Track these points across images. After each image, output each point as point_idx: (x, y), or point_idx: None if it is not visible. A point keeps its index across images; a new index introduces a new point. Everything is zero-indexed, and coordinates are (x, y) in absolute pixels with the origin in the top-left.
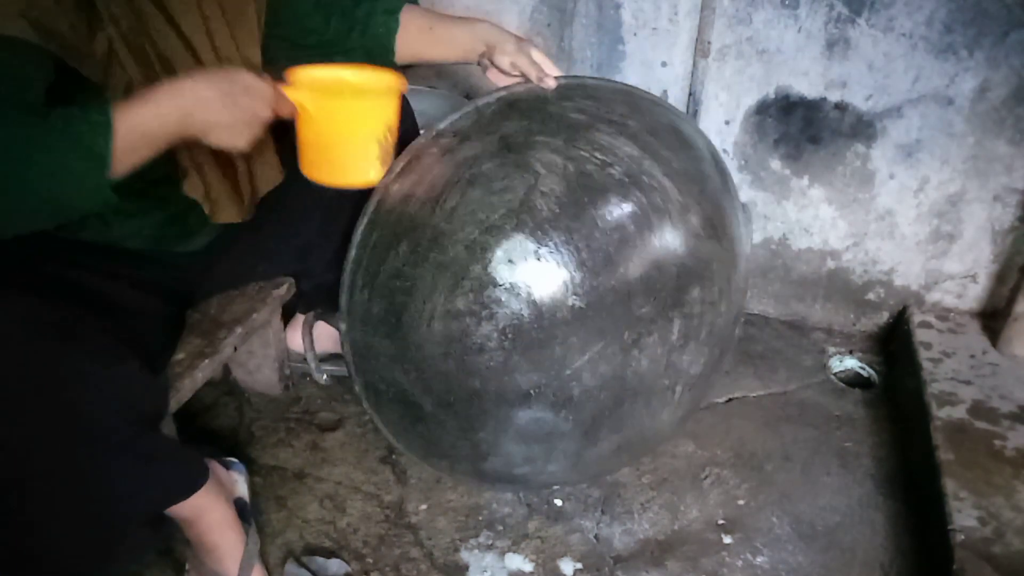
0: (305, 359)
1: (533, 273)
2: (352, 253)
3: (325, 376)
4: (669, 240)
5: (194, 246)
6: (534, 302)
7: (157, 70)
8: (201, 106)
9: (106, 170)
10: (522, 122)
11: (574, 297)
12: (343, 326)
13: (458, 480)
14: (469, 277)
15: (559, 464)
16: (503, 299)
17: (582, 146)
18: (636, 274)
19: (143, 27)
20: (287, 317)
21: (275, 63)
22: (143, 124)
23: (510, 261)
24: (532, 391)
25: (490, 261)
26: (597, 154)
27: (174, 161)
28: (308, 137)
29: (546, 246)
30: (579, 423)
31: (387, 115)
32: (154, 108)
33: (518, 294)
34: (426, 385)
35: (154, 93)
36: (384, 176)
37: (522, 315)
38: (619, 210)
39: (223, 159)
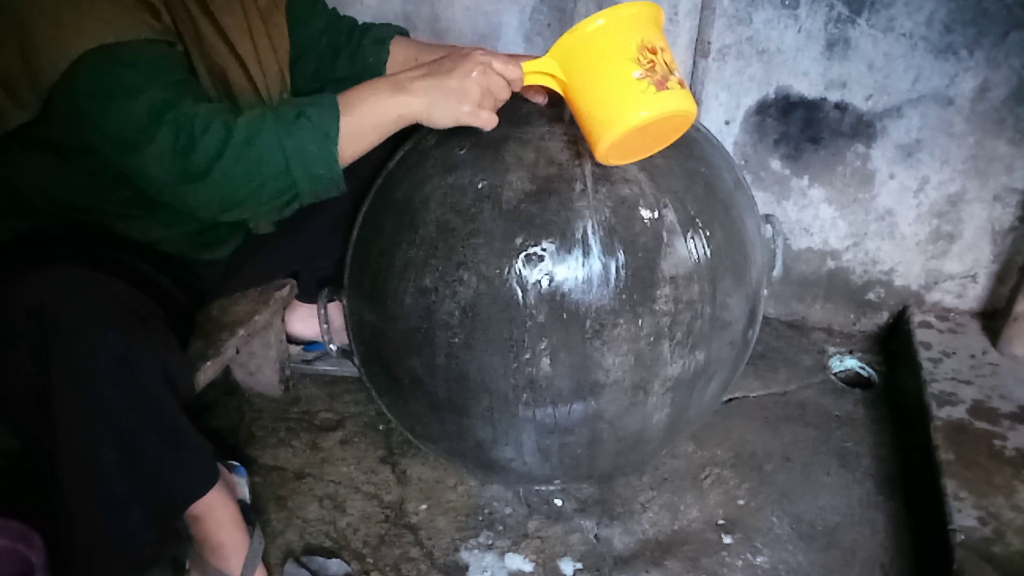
0: (303, 351)
1: (495, 256)
2: (355, 233)
3: (335, 348)
4: (636, 232)
5: (219, 255)
6: (495, 284)
7: (216, 78)
8: (420, 94)
9: (336, 154)
10: (504, 114)
11: (535, 282)
12: (345, 300)
13: (446, 459)
14: (436, 256)
15: (531, 451)
16: (466, 278)
17: (557, 139)
18: (598, 263)
19: (202, 42)
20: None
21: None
22: (363, 107)
23: (474, 243)
24: (493, 372)
25: (455, 242)
26: (572, 146)
27: None
28: (578, 107)
29: (510, 231)
30: (541, 408)
31: (631, 35)
32: (371, 90)
33: (480, 275)
34: (401, 359)
35: (375, 84)
36: (678, 100)
37: (483, 296)
38: (584, 199)
39: None
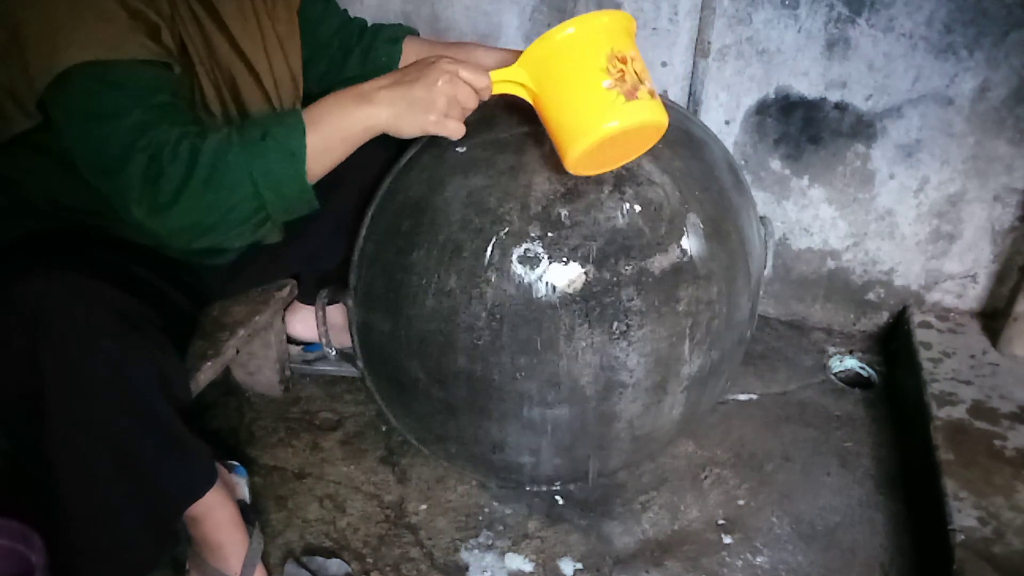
0: (303, 351)
1: (522, 257)
2: (362, 232)
3: (335, 352)
4: (662, 234)
5: (223, 260)
6: (522, 286)
7: (225, 88)
8: (385, 104)
9: (304, 172)
10: (523, 115)
11: (563, 283)
12: (350, 302)
13: (452, 464)
14: (461, 257)
15: (548, 452)
16: (493, 280)
17: None
18: (626, 265)
19: (213, 54)
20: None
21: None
22: (329, 122)
23: (501, 245)
24: (518, 374)
25: (482, 244)
26: None
27: None
28: (547, 117)
29: (537, 232)
30: (562, 409)
31: (602, 44)
32: (336, 103)
33: (507, 277)
34: (420, 361)
35: (340, 96)
36: (648, 111)
37: (510, 298)
38: (611, 202)
39: None
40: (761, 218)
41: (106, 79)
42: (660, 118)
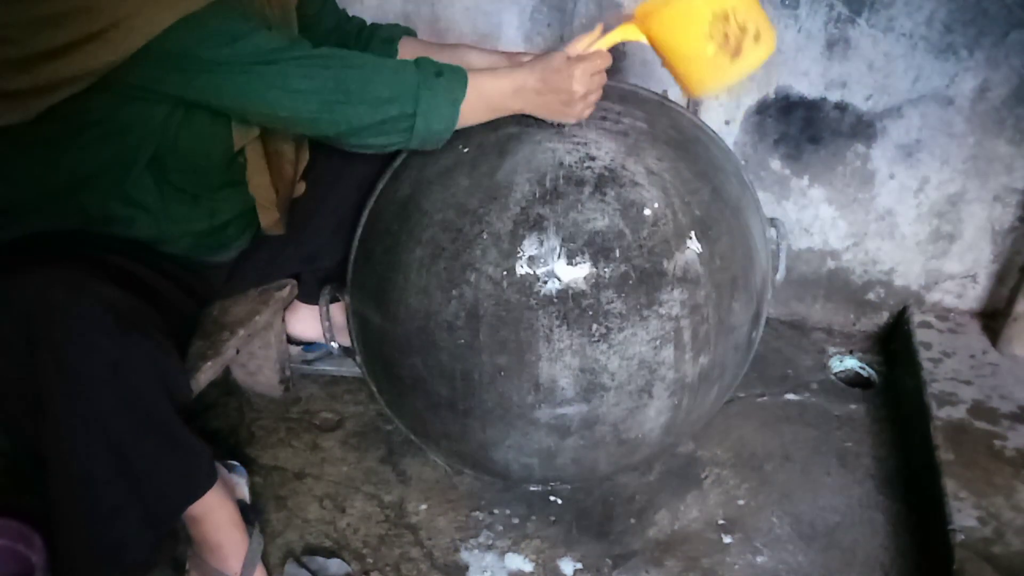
0: (303, 352)
1: (502, 257)
2: (359, 231)
3: (337, 346)
4: (643, 236)
5: (224, 257)
6: (500, 286)
7: None
8: (535, 108)
9: (457, 116)
10: (510, 118)
11: (541, 284)
12: (348, 298)
13: (447, 460)
14: (442, 257)
15: (532, 453)
16: (472, 280)
17: (566, 140)
18: (607, 267)
19: None
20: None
21: None
22: (486, 91)
23: (481, 246)
24: (498, 374)
25: (462, 244)
26: (580, 148)
27: (230, 173)
28: (664, 62)
29: (517, 232)
30: (544, 411)
31: (702, 11)
32: (496, 82)
33: (486, 277)
34: (408, 358)
35: (499, 83)
36: (752, 61)
37: (488, 298)
38: (592, 203)
39: (282, 178)
40: (771, 220)
41: (210, 23)
42: (765, 55)
